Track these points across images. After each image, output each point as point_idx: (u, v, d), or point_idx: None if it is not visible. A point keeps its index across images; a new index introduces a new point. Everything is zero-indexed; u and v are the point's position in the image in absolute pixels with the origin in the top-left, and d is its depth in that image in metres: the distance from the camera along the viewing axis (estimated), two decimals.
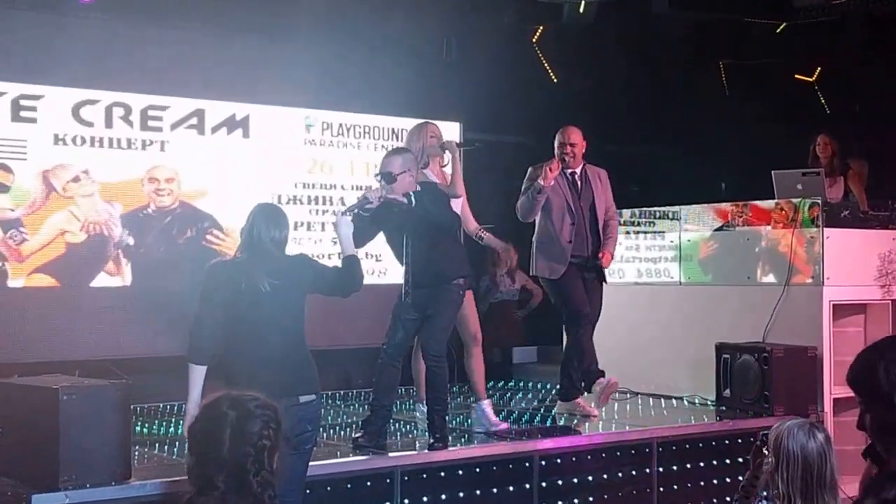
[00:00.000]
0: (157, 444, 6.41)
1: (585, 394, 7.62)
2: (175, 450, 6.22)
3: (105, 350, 8.25)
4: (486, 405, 6.87)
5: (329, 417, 7.55)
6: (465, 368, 7.01)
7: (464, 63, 10.25)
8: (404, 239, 6.14)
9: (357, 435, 6.35)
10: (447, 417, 6.41)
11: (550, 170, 7.31)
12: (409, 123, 9.90)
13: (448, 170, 6.84)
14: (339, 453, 6.10)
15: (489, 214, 7.85)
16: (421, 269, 6.12)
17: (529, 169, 7.57)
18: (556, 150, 7.57)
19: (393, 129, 9.88)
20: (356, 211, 5.62)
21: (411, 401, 7.78)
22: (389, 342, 6.32)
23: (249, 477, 2.91)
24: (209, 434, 2.98)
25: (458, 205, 6.65)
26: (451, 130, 10.04)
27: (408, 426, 7.16)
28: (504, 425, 6.85)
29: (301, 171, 9.41)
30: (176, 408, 7.63)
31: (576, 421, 7.38)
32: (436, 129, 6.98)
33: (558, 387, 7.82)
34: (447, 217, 6.31)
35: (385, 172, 6.06)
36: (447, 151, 6.81)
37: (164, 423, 7.22)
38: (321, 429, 6.73)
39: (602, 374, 7.51)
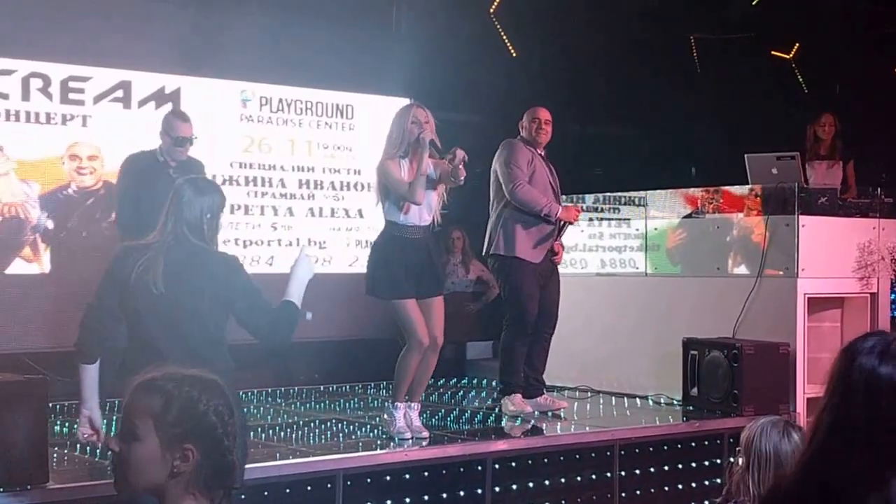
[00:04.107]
0: (77, 445, 6.37)
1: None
2: (98, 451, 6.19)
3: (20, 343, 8.20)
4: (400, 408, 6.70)
5: (269, 417, 7.56)
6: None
7: (415, 34, 10.26)
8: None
9: None
10: None
11: (578, 210, 7.72)
12: (356, 99, 9.99)
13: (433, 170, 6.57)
14: (277, 455, 6.11)
15: None
16: None
17: (508, 144, 7.58)
18: (529, 128, 7.59)
19: (337, 105, 9.89)
20: None
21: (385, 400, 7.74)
22: None
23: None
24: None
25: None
26: (401, 106, 10.06)
27: (351, 426, 7.19)
28: (407, 434, 6.56)
29: (237, 150, 9.39)
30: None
31: (532, 421, 7.42)
32: (423, 113, 6.57)
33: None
34: None
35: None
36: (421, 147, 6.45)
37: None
38: (257, 430, 6.79)
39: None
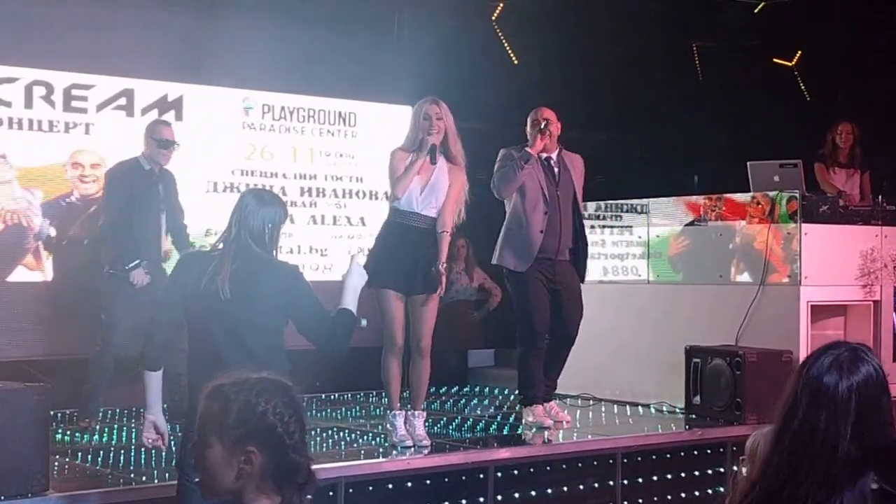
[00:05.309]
0: (79, 454, 6.38)
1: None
2: (99, 459, 6.19)
3: (22, 351, 8.19)
4: (399, 416, 6.70)
5: None
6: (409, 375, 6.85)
7: (417, 42, 10.24)
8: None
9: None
10: None
11: (540, 137, 7.33)
12: (358, 106, 9.99)
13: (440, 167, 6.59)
14: None
15: None
16: None
17: (502, 151, 7.51)
18: (530, 131, 7.48)
19: (339, 113, 9.88)
20: None
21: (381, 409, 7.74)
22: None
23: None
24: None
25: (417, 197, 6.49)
26: (404, 114, 10.06)
27: (353, 434, 7.18)
28: (408, 441, 6.56)
29: (239, 158, 9.38)
30: (100, 414, 7.57)
31: (534, 430, 7.40)
32: (435, 109, 6.58)
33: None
34: None
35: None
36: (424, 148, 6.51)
37: (87, 431, 7.17)
38: None
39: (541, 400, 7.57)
